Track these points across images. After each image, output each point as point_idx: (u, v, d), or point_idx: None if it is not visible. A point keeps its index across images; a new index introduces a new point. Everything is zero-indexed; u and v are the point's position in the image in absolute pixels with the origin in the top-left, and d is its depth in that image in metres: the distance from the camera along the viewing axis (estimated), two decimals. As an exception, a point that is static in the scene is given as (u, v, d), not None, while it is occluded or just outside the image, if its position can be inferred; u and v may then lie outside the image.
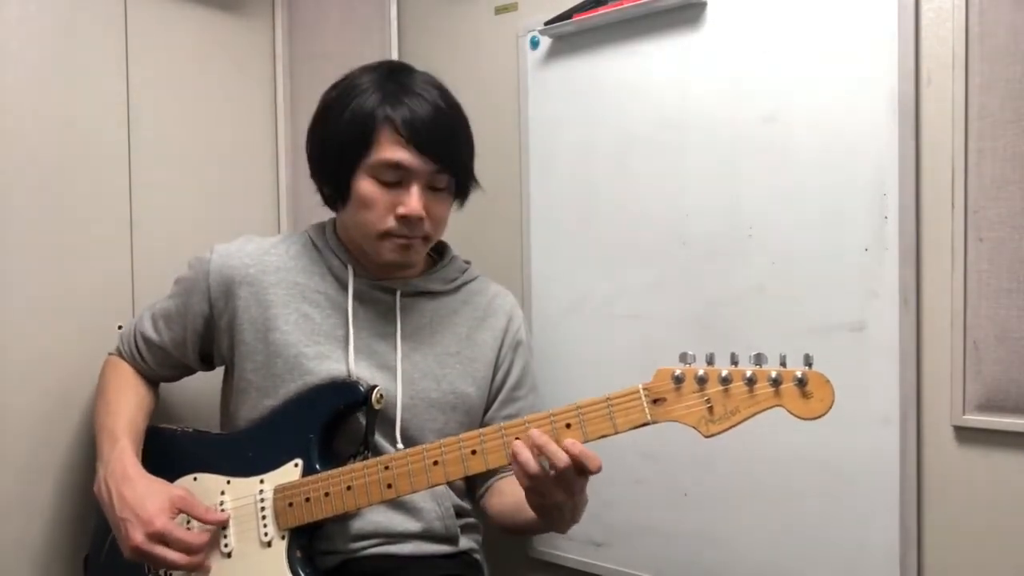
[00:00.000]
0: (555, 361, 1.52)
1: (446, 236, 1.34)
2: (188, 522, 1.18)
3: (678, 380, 1.00)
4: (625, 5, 1.40)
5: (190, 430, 1.31)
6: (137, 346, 1.34)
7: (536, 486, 1.04)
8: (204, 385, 1.45)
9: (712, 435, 0.99)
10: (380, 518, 1.23)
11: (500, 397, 1.35)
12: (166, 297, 1.33)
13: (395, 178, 1.19)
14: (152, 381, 1.37)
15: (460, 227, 1.42)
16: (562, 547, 1.54)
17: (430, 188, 1.21)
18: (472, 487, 1.36)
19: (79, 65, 1.43)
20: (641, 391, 1.02)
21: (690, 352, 1.00)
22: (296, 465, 1.17)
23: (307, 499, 1.14)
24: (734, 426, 0.99)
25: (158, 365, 1.35)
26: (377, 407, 1.19)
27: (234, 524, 1.18)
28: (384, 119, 1.17)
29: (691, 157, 1.38)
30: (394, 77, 1.22)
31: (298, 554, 1.15)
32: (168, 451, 1.28)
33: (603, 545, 1.49)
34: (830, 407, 0.96)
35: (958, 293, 1.16)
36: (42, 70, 1.38)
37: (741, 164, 1.33)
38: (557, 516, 1.11)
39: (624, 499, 1.46)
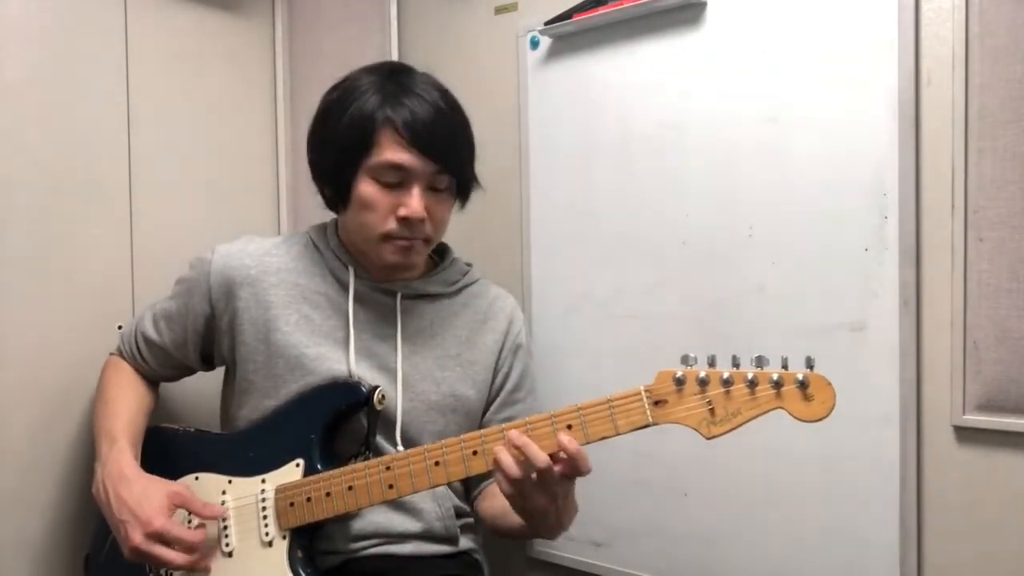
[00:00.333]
0: (555, 361, 1.52)
1: (446, 237, 1.34)
2: (189, 521, 1.18)
3: (679, 382, 1.01)
4: (625, 5, 1.40)
5: (191, 430, 1.31)
6: (138, 346, 1.34)
7: (518, 490, 1.03)
8: (204, 385, 1.45)
9: (714, 437, 0.99)
10: (380, 518, 1.23)
11: (499, 399, 1.35)
12: (167, 297, 1.33)
13: (396, 179, 1.19)
14: (152, 381, 1.38)
15: (460, 227, 1.42)
16: (562, 547, 1.54)
17: (431, 189, 1.21)
18: (467, 489, 1.36)
19: (79, 65, 1.43)
20: (643, 393, 1.02)
21: (691, 354, 1.00)
22: (298, 465, 1.17)
23: (308, 499, 1.14)
24: (735, 428, 0.99)
25: (159, 365, 1.35)
26: (379, 407, 1.19)
27: (235, 524, 1.18)
28: (385, 120, 1.17)
29: (691, 157, 1.38)
30: (394, 78, 1.22)
31: (299, 554, 1.15)
32: (169, 451, 1.28)
33: (603, 545, 1.49)
34: (831, 410, 0.96)
35: (958, 293, 1.16)
36: (42, 70, 1.38)
37: (741, 164, 1.33)
38: (541, 521, 1.09)
39: (624, 499, 1.46)
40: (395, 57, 1.72)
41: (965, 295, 1.16)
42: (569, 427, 1.03)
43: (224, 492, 1.20)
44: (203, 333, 1.30)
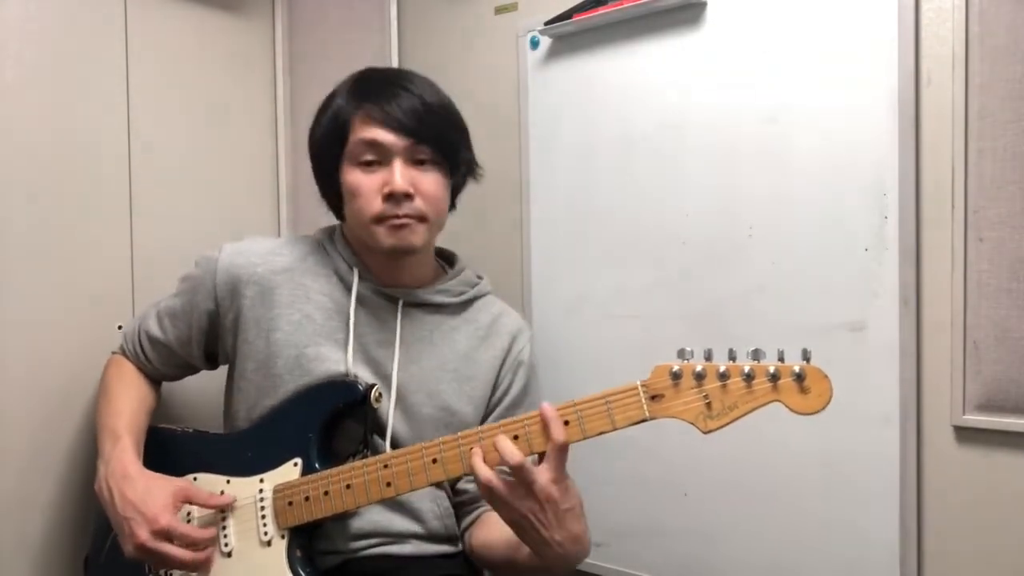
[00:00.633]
0: (555, 361, 1.52)
1: (447, 238, 1.34)
2: (189, 519, 1.18)
3: (676, 376, 1.00)
4: (625, 5, 1.41)
5: (190, 430, 1.31)
6: (141, 344, 1.34)
7: (498, 495, 1.02)
8: (206, 385, 1.45)
9: (710, 431, 0.99)
10: (380, 518, 1.23)
11: (495, 414, 1.32)
12: (171, 295, 1.33)
13: (374, 157, 1.20)
14: (155, 380, 1.37)
15: (460, 227, 1.42)
16: (562, 547, 1.54)
17: (414, 163, 1.21)
18: (457, 516, 1.32)
19: (79, 65, 1.43)
20: (639, 388, 1.02)
21: (688, 348, 1.00)
22: (295, 464, 1.17)
23: (307, 498, 1.14)
24: (732, 421, 0.99)
25: (162, 363, 1.35)
26: (376, 405, 1.19)
27: (234, 524, 1.18)
28: (356, 108, 1.21)
29: (691, 157, 1.38)
30: (366, 75, 1.26)
31: (298, 553, 1.15)
32: (168, 452, 1.27)
33: (603, 545, 1.48)
34: (828, 402, 0.96)
35: (958, 293, 1.16)
36: (42, 70, 1.38)
37: (741, 164, 1.33)
38: (532, 532, 1.03)
39: (624, 499, 1.46)
40: (395, 57, 1.72)
41: (965, 295, 1.16)
42: (567, 423, 1.03)
43: (222, 492, 1.20)
44: (207, 331, 1.30)
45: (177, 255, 1.42)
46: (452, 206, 1.33)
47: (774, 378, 0.97)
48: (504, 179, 1.60)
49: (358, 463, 1.13)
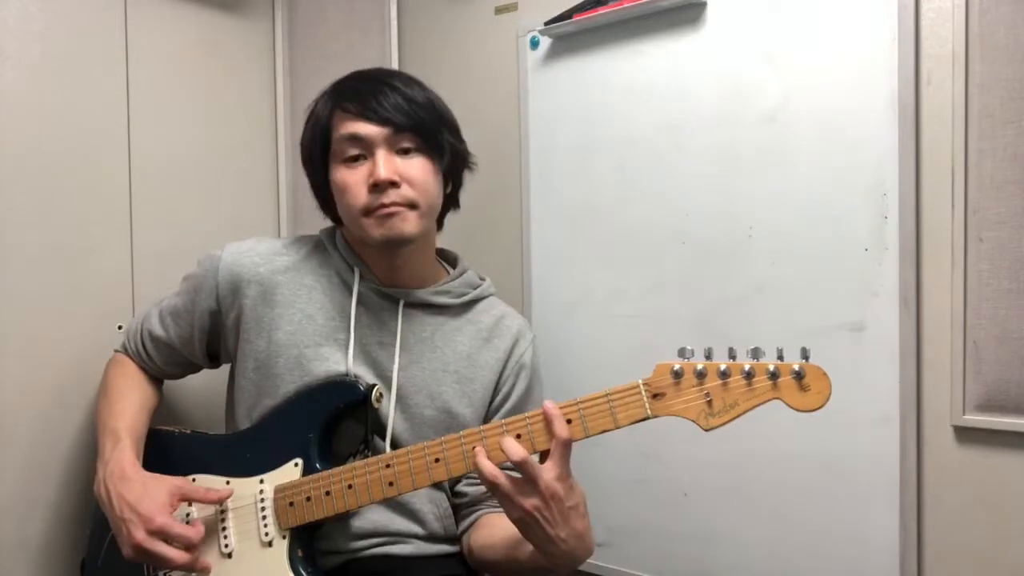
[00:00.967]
0: (555, 361, 1.52)
1: (447, 238, 1.34)
2: (188, 519, 1.18)
3: (677, 375, 1.01)
4: (625, 5, 1.41)
5: (188, 432, 1.31)
6: (143, 343, 1.34)
7: (503, 492, 1.02)
8: (207, 385, 1.45)
9: (712, 428, 1.00)
10: (380, 518, 1.23)
11: (495, 418, 1.30)
12: (174, 294, 1.33)
13: (357, 151, 1.20)
14: (156, 379, 1.37)
15: (460, 227, 1.42)
16: (562, 547, 1.54)
17: (398, 152, 1.21)
18: (455, 520, 1.31)
19: (79, 65, 1.43)
20: (641, 386, 1.03)
21: (688, 347, 1.01)
22: (296, 464, 1.17)
23: (308, 498, 1.14)
24: (733, 419, 0.99)
25: (164, 362, 1.35)
26: (377, 406, 1.19)
27: (234, 524, 1.18)
28: (335, 107, 1.22)
29: (691, 157, 1.38)
30: (347, 77, 1.28)
31: (299, 554, 1.15)
32: (167, 453, 1.27)
33: (603, 545, 1.48)
34: (827, 400, 0.96)
35: (958, 293, 1.16)
36: (42, 70, 1.38)
37: (741, 164, 1.33)
38: (536, 530, 1.02)
39: (624, 499, 1.46)
40: (395, 57, 1.72)
41: (965, 295, 1.16)
42: (569, 421, 1.03)
43: (222, 492, 1.20)
44: (209, 330, 1.30)
45: (177, 255, 1.42)
46: (456, 204, 1.33)
47: (774, 376, 0.98)
48: (504, 179, 1.60)
49: (359, 463, 1.13)
